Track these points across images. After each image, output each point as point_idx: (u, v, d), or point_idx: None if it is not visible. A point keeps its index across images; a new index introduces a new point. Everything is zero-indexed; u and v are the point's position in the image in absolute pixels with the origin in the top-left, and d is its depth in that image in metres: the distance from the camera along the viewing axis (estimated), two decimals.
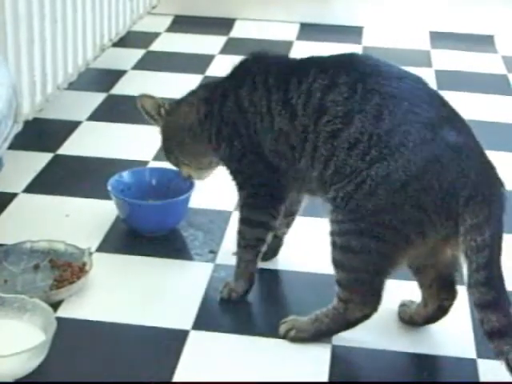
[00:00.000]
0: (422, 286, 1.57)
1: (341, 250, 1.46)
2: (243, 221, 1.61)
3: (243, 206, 1.61)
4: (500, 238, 1.40)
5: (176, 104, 1.70)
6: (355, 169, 1.41)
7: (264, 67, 1.56)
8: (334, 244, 1.46)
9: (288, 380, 1.46)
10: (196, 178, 1.79)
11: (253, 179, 1.58)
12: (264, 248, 1.63)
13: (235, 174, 1.61)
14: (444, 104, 1.46)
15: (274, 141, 1.52)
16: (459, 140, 1.41)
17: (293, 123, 1.48)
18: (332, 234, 1.46)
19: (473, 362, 1.51)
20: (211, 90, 1.64)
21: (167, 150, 1.73)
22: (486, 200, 1.39)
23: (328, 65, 1.49)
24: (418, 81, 1.49)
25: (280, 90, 1.50)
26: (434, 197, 1.39)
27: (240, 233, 1.62)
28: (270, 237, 1.62)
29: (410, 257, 1.46)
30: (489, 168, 1.45)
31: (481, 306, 1.37)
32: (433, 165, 1.38)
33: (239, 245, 1.63)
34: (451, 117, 1.45)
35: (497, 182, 1.44)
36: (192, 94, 1.70)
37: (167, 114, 1.70)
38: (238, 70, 1.61)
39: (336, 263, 1.47)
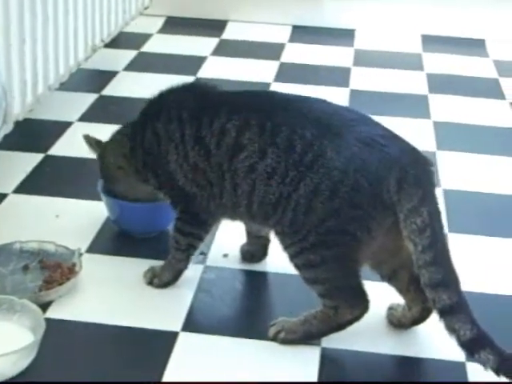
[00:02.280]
0: (400, 292, 1.58)
1: (304, 268, 1.50)
2: (176, 230, 1.67)
3: (177, 219, 1.67)
4: (438, 214, 1.44)
5: (105, 145, 1.76)
6: (280, 195, 1.47)
7: (179, 101, 1.61)
8: (296, 266, 1.51)
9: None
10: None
11: (182, 200, 1.64)
12: (196, 252, 1.69)
13: (167, 196, 1.68)
14: (350, 111, 1.53)
15: (191, 172, 1.57)
16: (372, 132, 1.46)
17: (208, 161, 1.54)
18: (291, 259, 1.51)
19: (462, 365, 1.51)
20: (133, 126, 1.69)
21: (109, 188, 1.80)
22: (417, 180, 1.42)
23: (238, 105, 1.55)
24: (322, 100, 1.55)
25: (192, 126, 1.56)
26: (364, 192, 1.42)
27: (173, 238, 1.68)
28: (201, 244, 1.69)
29: (368, 253, 1.48)
30: (411, 149, 1.48)
31: (431, 286, 1.41)
32: (353, 163, 1.43)
33: (172, 247, 1.68)
34: (359, 118, 1.51)
35: (423, 161, 1.47)
36: (119, 132, 1.74)
37: (100, 157, 1.77)
38: (155, 103, 1.66)
39: (307, 281, 1.51)
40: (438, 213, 1.44)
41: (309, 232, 1.46)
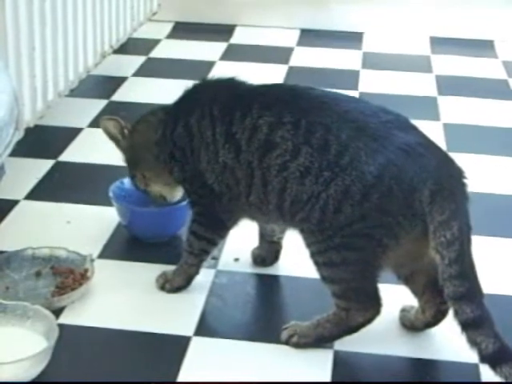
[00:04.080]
0: (415, 294, 1.58)
1: (324, 266, 1.49)
2: (191, 232, 1.67)
3: (193, 220, 1.67)
4: (468, 228, 1.43)
5: (137, 123, 1.72)
6: (311, 194, 1.45)
7: (212, 96, 1.59)
8: (317, 263, 1.50)
9: None
10: (169, 197, 1.77)
11: (202, 200, 1.63)
12: (208, 257, 1.69)
13: (188, 193, 1.67)
14: (387, 112, 1.50)
15: (220, 172, 1.56)
16: (410, 140, 1.44)
17: (238, 158, 1.52)
18: (312, 255, 1.50)
19: (475, 367, 1.50)
20: (167, 113, 1.67)
21: (133, 169, 1.75)
22: (451, 194, 1.41)
23: (271, 101, 1.52)
24: (359, 100, 1.54)
25: (224, 122, 1.54)
26: (396, 199, 1.42)
27: (188, 241, 1.67)
28: (214, 250, 1.69)
29: (391, 259, 1.47)
30: (447, 160, 1.47)
31: (455, 298, 1.40)
32: (388, 169, 1.41)
33: (186, 250, 1.68)
34: (396, 120, 1.48)
35: (457, 173, 1.46)
36: (152, 113, 1.71)
37: (130, 134, 1.72)
38: (189, 96, 1.65)
39: (324, 279, 1.51)
40: (468, 227, 1.43)
41: (335, 232, 1.45)
